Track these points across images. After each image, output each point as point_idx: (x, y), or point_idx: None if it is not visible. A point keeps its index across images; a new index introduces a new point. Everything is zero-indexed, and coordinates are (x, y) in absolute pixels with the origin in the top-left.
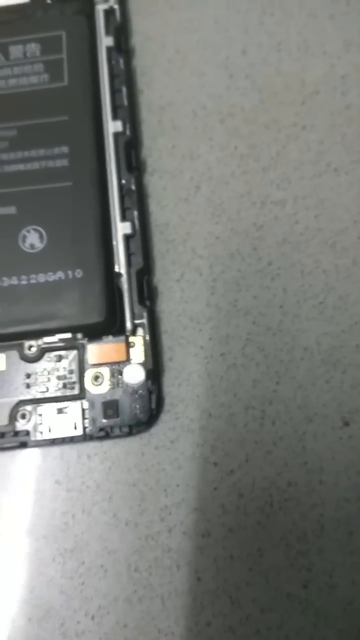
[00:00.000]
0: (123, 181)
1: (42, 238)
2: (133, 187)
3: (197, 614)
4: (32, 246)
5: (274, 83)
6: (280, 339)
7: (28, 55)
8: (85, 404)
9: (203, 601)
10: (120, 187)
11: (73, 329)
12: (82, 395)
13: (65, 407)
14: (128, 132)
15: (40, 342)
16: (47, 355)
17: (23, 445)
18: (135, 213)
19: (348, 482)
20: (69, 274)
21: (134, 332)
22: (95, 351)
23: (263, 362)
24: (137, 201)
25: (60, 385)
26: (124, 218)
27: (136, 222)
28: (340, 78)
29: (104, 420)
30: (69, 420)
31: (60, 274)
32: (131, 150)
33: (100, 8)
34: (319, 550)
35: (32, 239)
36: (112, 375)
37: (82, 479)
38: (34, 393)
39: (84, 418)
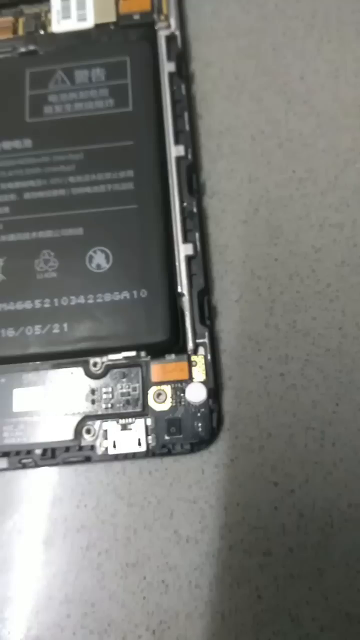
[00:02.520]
0: (185, 204)
1: (108, 258)
2: (194, 210)
3: (257, 632)
4: (98, 266)
5: (331, 108)
6: (340, 361)
7: (93, 80)
8: (149, 421)
9: (263, 619)
10: (182, 210)
11: (137, 347)
12: (145, 412)
13: (130, 424)
14: (189, 156)
15: (105, 359)
16: (111, 372)
17: (87, 459)
18: (197, 235)
19: None
20: (134, 294)
21: (195, 351)
22: (158, 369)
23: (322, 383)
24: (198, 223)
25: (124, 402)
26: (186, 240)
27: (197, 243)
28: None
29: (167, 437)
30: (133, 436)
31: (125, 294)
32: (192, 173)
33: (163, 34)
34: None
35: (99, 260)
36: (174, 393)
37: (143, 495)
38: (99, 409)
39: (147, 434)
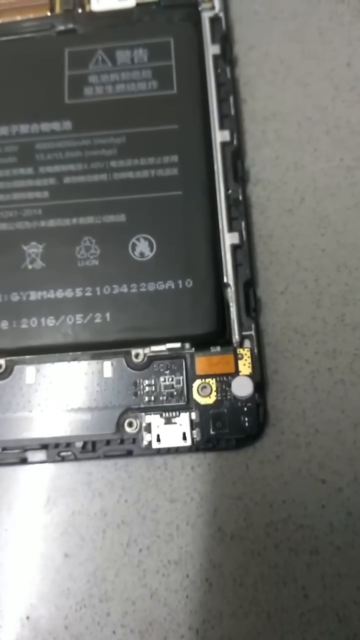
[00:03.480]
0: (230, 191)
1: (152, 247)
2: (240, 198)
3: (303, 631)
4: (142, 254)
5: None
6: None
7: (136, 61)
8: (194, 415)
9: (310, 618)
10: (228, 197)
11: (181, 339)
12: (189, 405)
13: (174, 417)
14: (235, 142)
15: (147, 350)
16: (154, 364)
17: (129, 453)
18: (243, 224)
19: None
20: (179, 284)
21: (241, 344)
22: (203, 362)
23: None
24: (243, 211)
25: (168, 395)
26: (231, 228)
27: (243, 232)
28: None
29: (212, 432)
30: (178, 430)
31: (170, 283)
32: (238, 160)
33: (206, 15)
34: None
35: (142, 248)
36: (219, 386)
37: (186, 490)
38: (141, 401)
39: (192, 429)
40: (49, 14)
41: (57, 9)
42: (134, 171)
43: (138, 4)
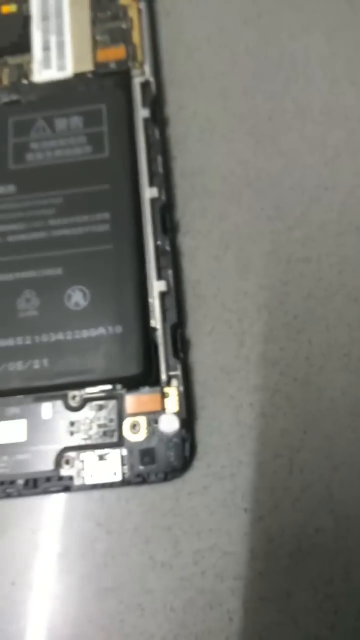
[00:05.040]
0: (159, 242)
1: (86, 296)
2: (168, 248)
3: None
4: (76, 304)
5: (297, 147)
6: (307, 390)
7: (72, 128)
8: (124, 452)
9: None
10: (156, 248)
11: (113, 381)
12: (121, 442)
13: (106, 454)
14: (163, 197)
15: (83, 392)
16: (89, 405)
17: (67, 489)
18: (170, 272)
19: None
20: (110, 330)
21: (168, 383)
22: (132, 401)
23: (291, 412)
24: (171, 261)
25: (101, 433)
26: (159, 277)
27: (171, 280)
28: None
29: (141, 467)
30: (109, 466)
31: (101, 330)
32: (166, 213)
33: (137, 81)
34: (345, 594)
35: (77, 298)
36: (149, 423)
37: (121, 522)
38: (77, 440)
39: (122, 464)
40: None
41: (5, 81)
42: (70, 228)
43: (76, 74)
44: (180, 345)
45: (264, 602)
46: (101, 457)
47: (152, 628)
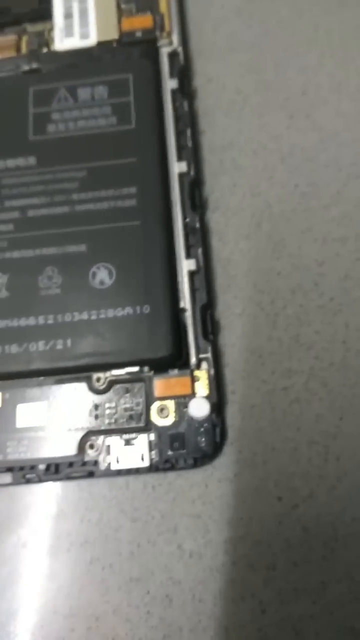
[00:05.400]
0: (187, 219)
1: (112, 275)
2: (197, 225)
3: None
4: (101, 282)
5: (333, 123)
6: (344, 374)
7: (96, 98)
8: (152, 436)
9: (267, 633)
10: (185, 225)
11: (140, 363)
12: (148, 427)
13: (133, 439)
14: (192, 172)
15: (108, 374)
16: (114, 388)
17: (90, 474)
18: (200, 250)
19: None
20: (137, 310)
21: (198, 366)
22: (161, 384)
23: (326, 397)
24: (201, 239)
25: (127, 417)
26: (188, 255)
27: (200, 258)
28: None
29: (170, 452)
30: (136, 451)
31: (128, 310)
32: (195, 189)
33: (165, 51)
34: None
35: (102, 276)
36: (178, 408)
37: (147, 510)
38: (102, 424)
39: (150, 450)
40: (15, 54)
41: (24, 49)
42: (94, 203)
43: (99, 43)
44: (210, 327)
45: (298, 594)
46: (127, 442)
47: (180, 620)
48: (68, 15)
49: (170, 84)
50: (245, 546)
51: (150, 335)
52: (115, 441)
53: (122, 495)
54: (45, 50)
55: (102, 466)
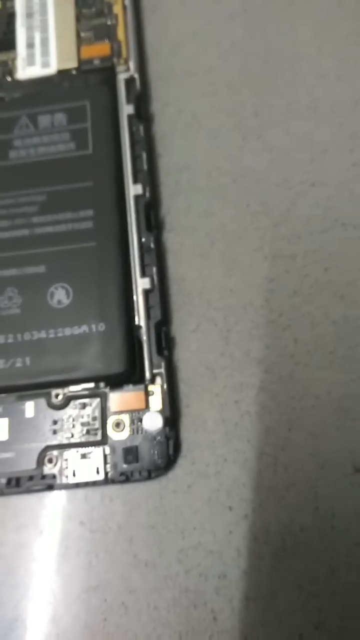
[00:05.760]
0: (143, 239)
1: (69, 294)
2: (152, 245)
3: None
4: (59, 302)
5: (284, 143)
6: (292, 387)
7: (55, 125)
8: (107, 450)
9: None
10: (141, 245)
11: (96, 379)
12: (104, 441)
13: (89, 452)
14: (147, 194)
15: (66, 390)
16: (72, 403)
17: (50, 487)
18: (154, 269)
19: (359, 528)
20: (93, 328)
21: (152, 381)
22: (116, 399)
23: (276, 409)
24: (155, 258)
25: (85, 432)
26: (143, 274)
27: (155, 277)
28: (349, 136)
29: (125, 465)
30: (92, 465)
31: (84, 328)
32: (150, 210)
33: (122, 77)
34: (330, 593)
35: (60, 296)
36: (132, 422)
37: (105, 521)
38: (60, 439)
39: (105, 463)
40: None
41: None
42: (53, 225)
43: (59, 71)
44: (164, 343)
45: (248, 602)
46: (84, 456)
47: (135, 627)
48: (30, 45)
49: (126, 109)
50: (198, 555)
51: (106, 352)
52: (72, 455)
53: (81, 508)
54: (8, 78)
55: (61, 479)
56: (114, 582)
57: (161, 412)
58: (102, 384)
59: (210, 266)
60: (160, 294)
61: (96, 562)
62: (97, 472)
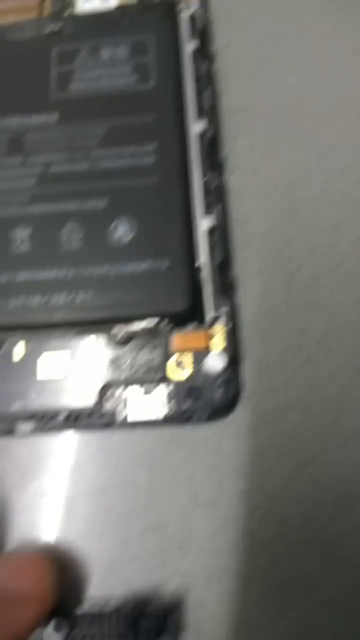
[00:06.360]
0: (206, 177)
1: (131, 230)
2: (215, 184)
3: (272, 596)
4: (121, 237)
5: (351, 88)
6: (357, 334)
7: (117, 57)
8: (168, 389)
9: (279, 584)
10: (204, 183)
11: (159, 315)
12: (165, 380)
13: (149, 391)
14: (211, 132)
15: (127, 327)
16: (133, 341)
17: (109, 425)
18: (218, 207)
19: None
20: (156, 264)
21: (215, 322)
22: (178, 338)
23: (339, 355)
24: (219, 196)
25: (145, 370)
26: (207, 212)
27: (218, 216)
28: None
29: (186, 405)
30: (154, 403)
31: (147, 264)
32: (213, 148)
33: (185, 14)
34: None
35: (122, 231)
36: (194, 362)
37: (164, 460)
38: (120, 376)
39: (166, 402)
40: (38, 16)
41: (46, 11)
42: (114, 159)
43: (119, 5)
44: (227, 284)
45: (309, 547)
46: (144, 394)
47: (194, 569)
48: None
49: (190, 45)
50: (258, 499)
51: (169, 289)
52: (132, 393)
53: (140, 446)
54: (68, 12)
55: (120, 417)
56: (172, 523)
57: (223, 353)
58: (164, 322)
59: (274, 208)
60: (223, 233)
61: (154, 502)
62: (158, 411)
